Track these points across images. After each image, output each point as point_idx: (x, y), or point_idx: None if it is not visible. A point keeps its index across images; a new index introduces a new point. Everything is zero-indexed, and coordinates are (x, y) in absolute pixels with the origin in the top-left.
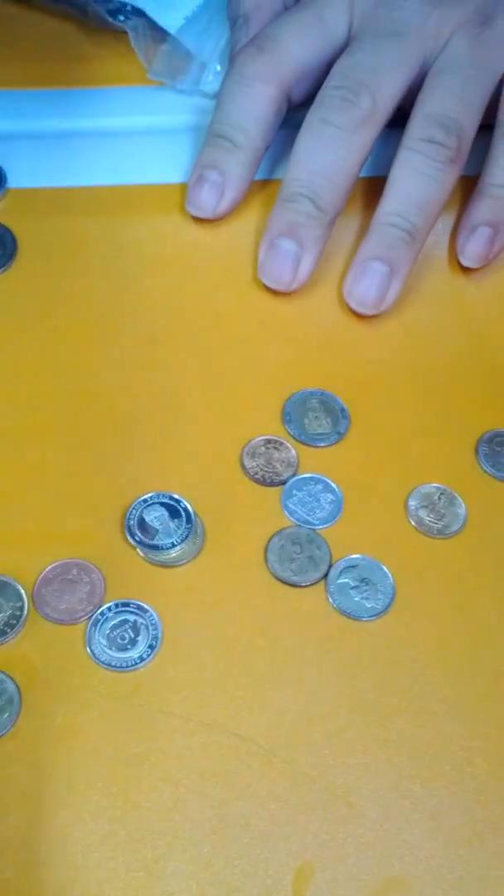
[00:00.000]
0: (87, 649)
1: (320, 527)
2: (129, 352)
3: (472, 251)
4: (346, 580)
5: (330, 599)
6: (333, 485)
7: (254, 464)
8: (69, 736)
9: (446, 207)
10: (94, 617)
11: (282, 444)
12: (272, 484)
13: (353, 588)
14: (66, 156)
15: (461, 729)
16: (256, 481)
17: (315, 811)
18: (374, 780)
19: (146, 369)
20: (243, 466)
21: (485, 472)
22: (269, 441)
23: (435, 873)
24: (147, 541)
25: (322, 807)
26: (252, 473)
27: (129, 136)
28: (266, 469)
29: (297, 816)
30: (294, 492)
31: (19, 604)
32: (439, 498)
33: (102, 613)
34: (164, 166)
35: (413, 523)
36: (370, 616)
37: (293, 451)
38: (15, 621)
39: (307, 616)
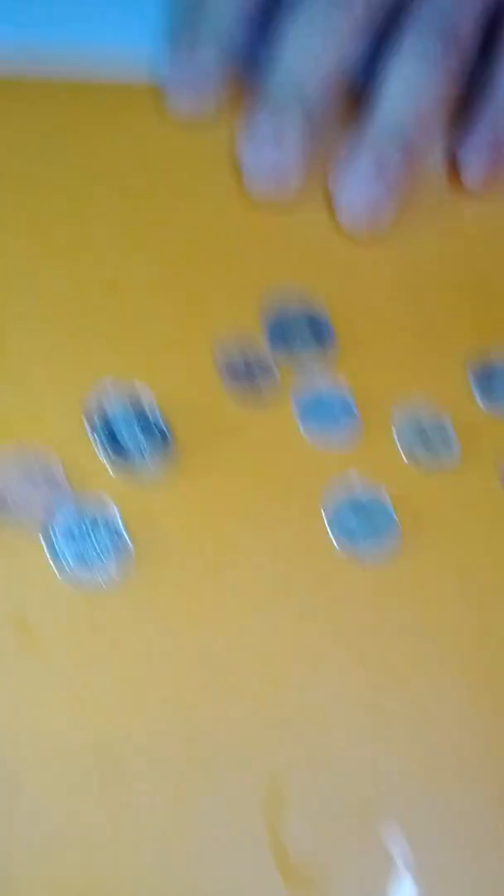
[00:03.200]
0: (49, 563)
1: (335, 443)
2: (91, 248)
3: (475, 172)
4: (348, 516)
5: (330, 535)
6: (350, 399)
7: (232, 376)
8: (27, 646)
9: (449, 124)
10: (58, 531)
11: (261, 356)
12: (253, 398)
13: (353, 526)
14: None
15: (446, 656)
16: (236, 395)
17: (287, 731)
18: (350, 706)
19: (110, 269)
20: (223, 382)
21: (476, 400)
22: (246, 353)
23: (413, 799)
24: (115, 452)
25: (295, 727)
26: (230, 386)
27: None
28: (245, 381)
29: (268, 739)
30: (309, 404)
31: None
32: (430, 427)
33: (68, 528)
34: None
35: (402, 452)
36: (369, 555)
37: (274, 366)
38: None
39: (297, 548)
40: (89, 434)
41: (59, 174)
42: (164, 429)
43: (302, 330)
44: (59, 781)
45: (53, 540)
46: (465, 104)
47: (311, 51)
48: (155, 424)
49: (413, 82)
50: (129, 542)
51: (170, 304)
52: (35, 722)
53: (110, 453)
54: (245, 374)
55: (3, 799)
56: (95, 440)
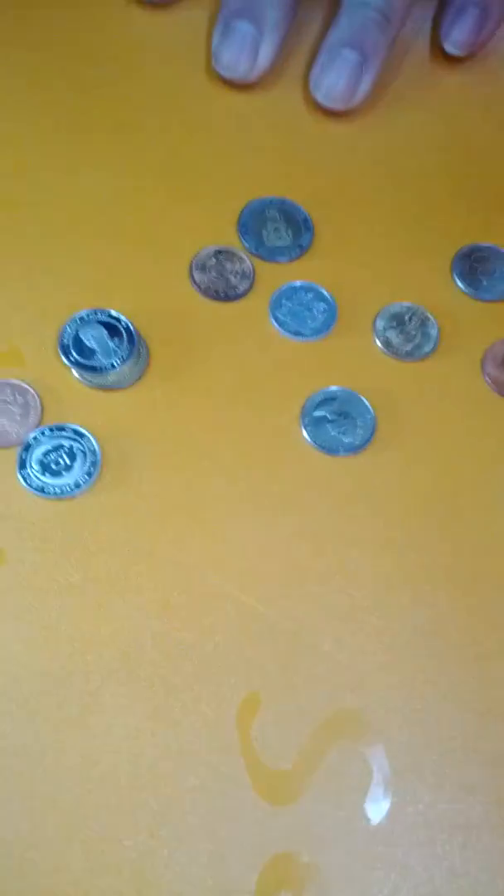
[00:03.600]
0: (18, 474)
1: (312, 339)
2: (66, 155)
3: (458, 36)
4: (324, 413)
5: (304, 433)
6: (326, 293)
7: (205, 277)
8: None
9: None
10: (26, 441)
11: (234, 253)
12: (227, 298)
13: (330, 422)
14: None
15: (422, 560)
16: (209, 296)
17: (263, 643)
18: (327, 611)
19: (85, 173)
20: (193, 280)
21: (459, 289)
22: (219, 251)
23: (388, 706)
24: (83, 361)
25: (270, 639)
26: (203, 288)
27: None
28: (218, 282)
29: (243, 648)
30: (283, 301)
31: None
32: (410, 318)
33: (36, 437)
34: None
35: (380, 345)
36: (347, 451)
37: (248, 262)
38: None
39: (274, 448)
40: (61, 354)
41: (19, 68)
42: (135, 336)
43: (276, 222)
44: (29, 695)
45: (25, 458)
46: None
47: None
48: (126, 332)
49: None
50: (99, 451)
51: (140, 209)
52: (5, 632)
53: (83, 369)
54: (216, 268)
55: None
56: (67, 359)
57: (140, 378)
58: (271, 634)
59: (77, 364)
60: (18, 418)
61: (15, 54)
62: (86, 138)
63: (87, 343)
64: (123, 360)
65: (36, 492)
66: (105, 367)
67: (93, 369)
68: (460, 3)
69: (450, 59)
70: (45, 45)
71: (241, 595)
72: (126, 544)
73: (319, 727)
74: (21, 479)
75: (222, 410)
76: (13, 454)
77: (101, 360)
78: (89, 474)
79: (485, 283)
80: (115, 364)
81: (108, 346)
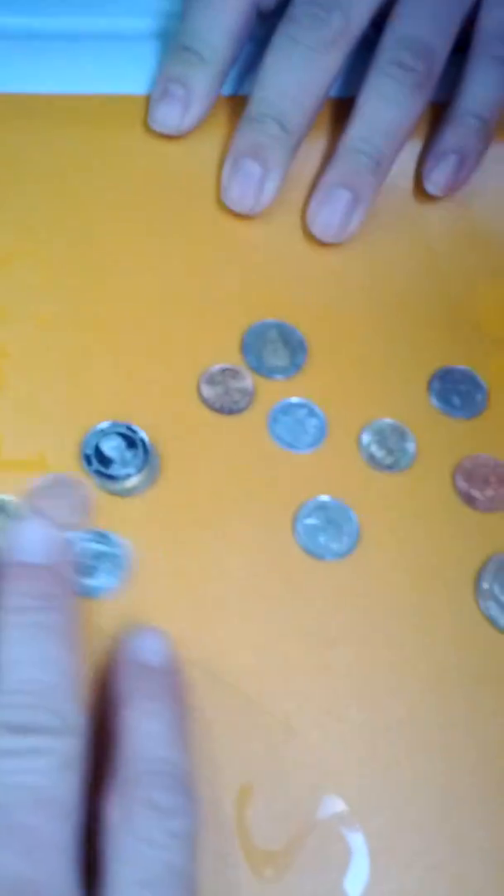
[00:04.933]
0: None
1: (305, 451)
2: (80, 277)
3: (438, 178)
4: (314, 521)
5: (296, 539)
6: (318, 409)
7: (212, 392)
8: None
9: (414, 135)
10: None
11: (237, 372)
12: (230, 412)
13: (319, 529)
14: (14, 58)
15: (398, 658)
16: (214, 410)
17: (257, 735)
18: (313, 705)
19: (99, 294)
20: (201, 395)
21: (434, 407)
22: (225, 369)
23: (367, 791)
24: (103, 470)
25: (264, 730)
26: (210, 402)
27: (87, 40)
28: (224, 398)
29: (239, 740)
30: (280, 416)
31: None
32: (391, 433)
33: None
34: (125, 75)
35: (364, 458)
36: (333, 557)
37: (249, 379)
38: None
39: (269, 552)
40: (84, 462)
41: (33, 187)
42: (149, 448)
43: (275, 343)
44: None
45: None
46: (431, 114)
47: (296, 81)
48: (142, 444)
49: (387, 101)
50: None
51: (153, 328)
52: None
53: (103, 478)
54: (223, 384)
55: None
56: (89, 467)
57: (152, 485)
58: (264, 726)
59: (98, 473)
60: (78, 505)
61: (28, 171)
62: (102, 261)
63: (107, 453)
64: (139, 469)
65: None
66: (121, 476)
67: (111, 477)
68: (441, 149)
69: (431, 197)
70: (60, 167)
71: (236, 688)
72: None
73: (305, 812)
74: None
75: (224, 516)
76: None
77: (118, 469)
78: (114, 575)
79: (457, 402)
80: (130, 473)
81: (125, 456)
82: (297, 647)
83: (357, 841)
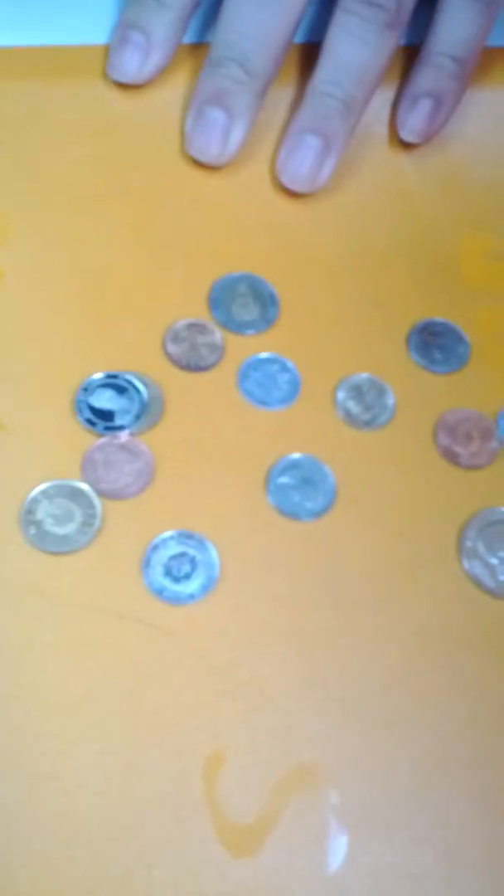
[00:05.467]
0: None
1: (277, 408)
2: (40, 232)
3: (413, 124)
4: (288, 480)
5: (269, 499)
6: (290, 364)
7: (177, 349)
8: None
9: (386, 80)
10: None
11: (205, 327)
12: (197, 369)
13: (293, 488)
14: None
15: (377, 621)
16: (181, 367)
17: (227, 701)
18: (286, 671)
19: (59, 248)
20: (166, 352)
21: (414, 362)
22: (192, 325)
23: (345, 761)
24: (112, 424)
25: (233, 697)
26: (176, 359)
27: None
28: (190, 354)
29: (208, 707)
30: (250, 372)
31: (91, 511)
32: (368, 389)
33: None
34: (84, 25)
35: (340, 415)
36: (308, 517)
37: (218, 334)
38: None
39: (241, 511)
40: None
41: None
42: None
43: (245, 297)
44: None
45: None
46: (403, 57)
47: (258, 22)
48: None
49: (355, 40)
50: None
51: (115, 284)
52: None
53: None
54: (188, 340)
55: None
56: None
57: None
58: (234, 693)
59: (108, 429)
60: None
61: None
62: (63, 215)
63: (103, 407)
64: (137, 418)
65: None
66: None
67: (120, 428)
68: (415, 93)
69: (407, 145)
70: (18, 121)
71: (204, 655)
72: (94, 604)
73: (279, 782)
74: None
75: (193, 476)
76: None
77: (124, 418)
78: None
79: (438, 356)
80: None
81: (122, 405)
82: (270, 611)
83: (333, 812)
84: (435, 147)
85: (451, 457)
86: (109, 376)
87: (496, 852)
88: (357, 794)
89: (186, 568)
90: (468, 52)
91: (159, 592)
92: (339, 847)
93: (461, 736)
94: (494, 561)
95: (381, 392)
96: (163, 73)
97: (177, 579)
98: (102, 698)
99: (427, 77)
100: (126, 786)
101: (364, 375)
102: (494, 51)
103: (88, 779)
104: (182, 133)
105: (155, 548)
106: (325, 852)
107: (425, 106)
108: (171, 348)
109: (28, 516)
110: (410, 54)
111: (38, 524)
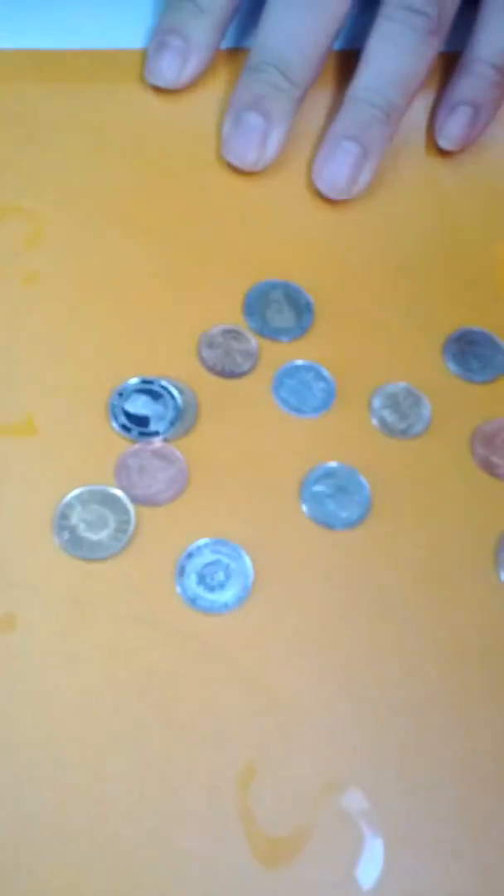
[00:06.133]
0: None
1: (312, 416)
2: (77, 236)
3: (451, 132)
4: (322, 488)
5: (303, 507)
6: (326, 372)
7: (212, 355)
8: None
9: (426, 86)
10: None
11: (240, 333)
12: (231, 376)
13: (328, 497)
14: (7, 13)
15: (413, 633)
16: (215, 373)
17: (260, 713)
18: (321, 682)
19: (97, 250)
20: (201, 358)
21: (451, 370)
22: (227, 331)
23: (379, 776)
24: (146, 430)
25: (267, 708)
26: (211, 365)
27: None
28: (225, 360)
29: (242, 718)
30: (285, 380)
31: (125, 517)
32: (404, 398)
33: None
34: (122, 29)
35: (376, 423)
36: (343, 526)
37: (253, 342)
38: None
39: (275, 521)
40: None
41: (36, 151)
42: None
43: (280, 304)
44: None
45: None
46: (443, 64)
47: (299, 28)
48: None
49: (396, 48)
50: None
51: (151, 289)
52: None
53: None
54: (223, 346)
55: None
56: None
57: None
58: (268, 704)
59: (143, 434)
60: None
61: (25, 129)
62: (100, 220)
63: (138, 413)
64: (171, 424)
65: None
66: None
67: (154, 434)
68: (454, 101)
69: (444, 152)
70: (58, 125)
71: (238, 666)
72: (128, 613)
73: (313, 795)
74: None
75: (226, 485)
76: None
77: (158, 424)
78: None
79: (475, 365)
80: (173, 421)
81: (157, 411)
82: (305, 621)
83: (370, 826)
84: (472, 154)
85: (488, 467)
86: (144, 382)
87: None
88: (393, 809)
89: (220, 576)
90: None
91: (193, 601)
92: (374, 862)
93: (502, 751)
94: None
95: (417, 401)
96: (201, 78)
97: (211, 588)
98: (135, 709)
99: (467, 84)
100: (158, 798)
101: (400, 384)
102: None
103: (120, 790)
104: (219, 138)
105: (189, 555)
106: (360, 867)
107: (464, 114)
108: (206, 354)
109: (62, 521)
110: (449, 61)
111: (71, 529)
